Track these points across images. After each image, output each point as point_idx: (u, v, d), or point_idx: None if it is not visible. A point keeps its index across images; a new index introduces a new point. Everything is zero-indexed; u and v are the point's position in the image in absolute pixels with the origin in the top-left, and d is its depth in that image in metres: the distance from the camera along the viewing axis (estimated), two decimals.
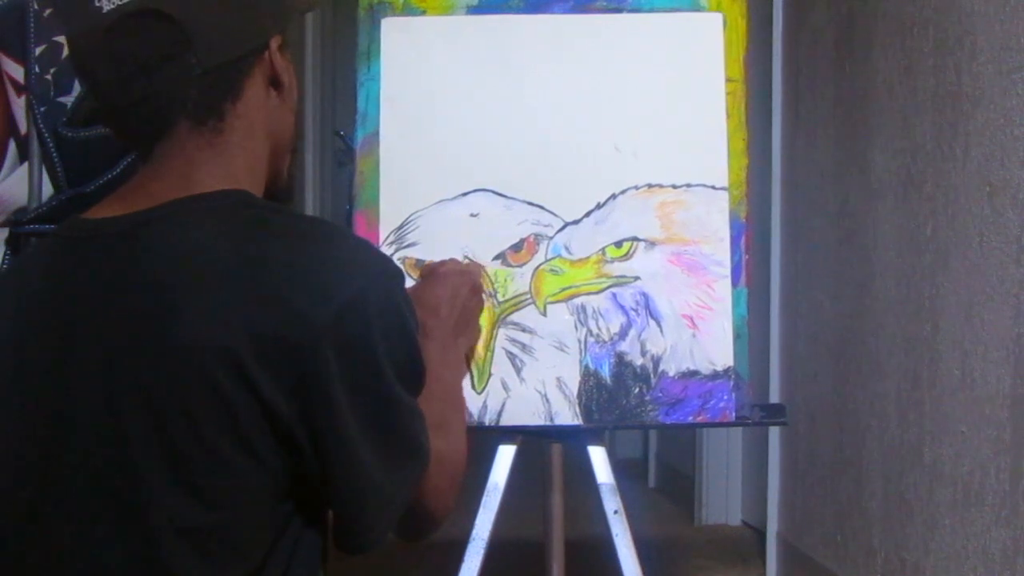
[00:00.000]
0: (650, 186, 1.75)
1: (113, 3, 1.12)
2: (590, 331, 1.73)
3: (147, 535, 1.09)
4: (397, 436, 1.17)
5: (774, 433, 3.22)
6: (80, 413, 1.12)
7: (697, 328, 1.73)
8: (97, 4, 1.13)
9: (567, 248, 1.74)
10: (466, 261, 1.71)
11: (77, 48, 1.17)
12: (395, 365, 1.15)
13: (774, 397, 3.16)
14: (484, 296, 1.70)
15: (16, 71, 1.93)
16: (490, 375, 1.72)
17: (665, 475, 4.35)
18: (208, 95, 1.17)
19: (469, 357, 1.68)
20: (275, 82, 1.23)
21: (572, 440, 1.76)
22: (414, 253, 1.74)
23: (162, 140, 1.18)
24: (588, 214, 1.75)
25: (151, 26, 1.12)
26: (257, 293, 1.09)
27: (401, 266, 1.70)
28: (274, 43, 1.22)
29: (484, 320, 1.71)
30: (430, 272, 1.64)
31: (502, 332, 1.73)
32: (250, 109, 1.20)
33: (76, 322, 1.13)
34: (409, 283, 1.61)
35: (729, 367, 1.72)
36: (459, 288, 1.60)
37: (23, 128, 1.95)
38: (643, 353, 1.73)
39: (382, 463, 1.15)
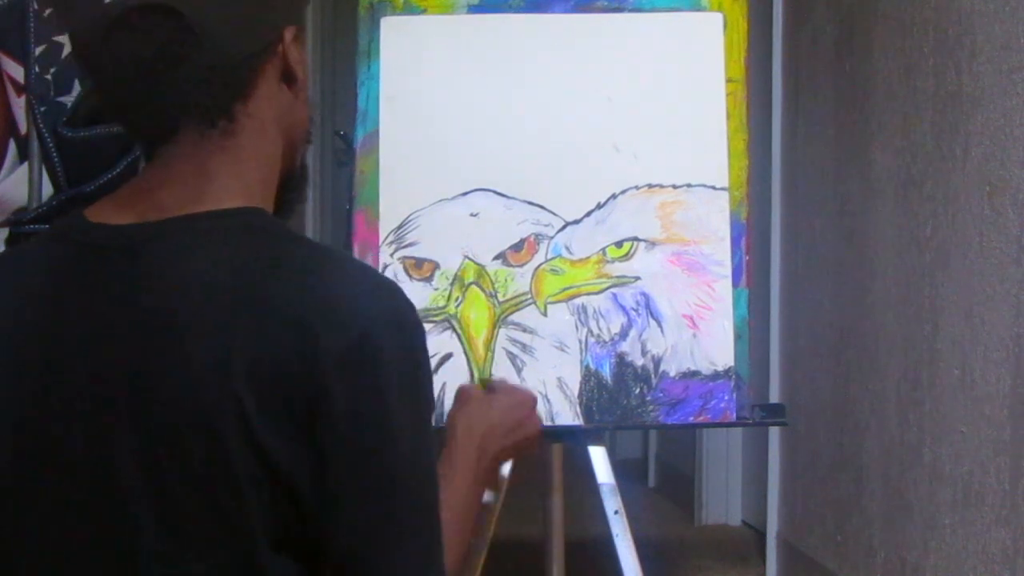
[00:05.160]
0: (650, 186, 1.75)
1: None
2: (591, 331, 1.73)
3: None
4: (401, 486, 1.04)
5: (774, 433, 3.21)
6: (68, 454, 1.04)
7: (698, 328, 1.73)
8: None
9: (567, 248, 1.74)
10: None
11: (79, 42, 1.08)
12: (409, 419, 1.04)
13: (774, 397, 3.15)
14: (488, 299, 1.67)
15: (16, 71, 1.92)
16: (491, 375, 1.72)
17: (665, 475, 4.35)
18: (218, 95, 1.07)
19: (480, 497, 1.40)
20: (289, 76, 1.12)
21: (572, 440, 1.76)
22: (414, 253, 1.74)
23: (169, 142, 1.09)
24: (588, 214, 1.75)
25: (158, 23, 1.03)
26: (260, 333, 1.01)
27: (401, 266, 1.70)
28: (288, 35, 1.11)
29: (485, 323, 1.71)
30: (511, 391, 1.42)
31: (502, 332, 1.73)
32: (261, 107, 1.10)
33: (68, 347, 1.05)
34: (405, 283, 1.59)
35: (730, 367, 1.72)
36: (523, 430, 1.40)
37: (23, 128, 1.94)
38: (644, 353, 1.73)
39: (383, 509, 1.04)
